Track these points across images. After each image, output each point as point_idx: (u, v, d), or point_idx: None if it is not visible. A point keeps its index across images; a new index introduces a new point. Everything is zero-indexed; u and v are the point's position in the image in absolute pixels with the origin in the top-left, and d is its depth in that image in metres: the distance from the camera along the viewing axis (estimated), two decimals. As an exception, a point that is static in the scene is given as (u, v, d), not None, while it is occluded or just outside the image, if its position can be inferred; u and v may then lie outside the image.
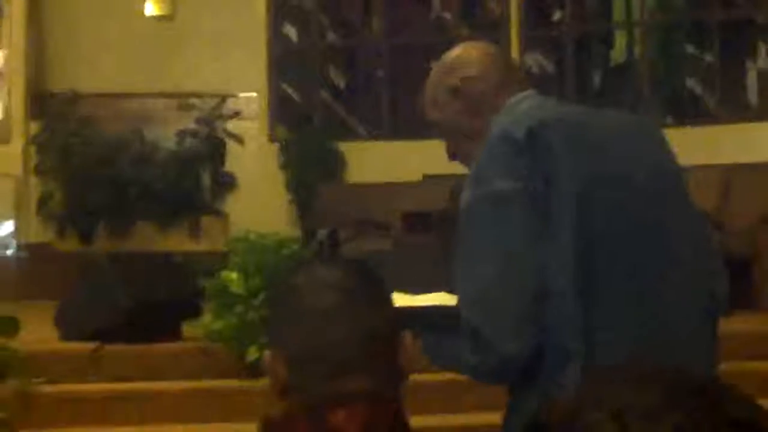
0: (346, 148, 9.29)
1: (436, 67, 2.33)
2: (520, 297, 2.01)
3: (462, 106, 2.25)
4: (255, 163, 9.23)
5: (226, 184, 8.98)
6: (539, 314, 2.01)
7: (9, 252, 8.90)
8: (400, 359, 1.58)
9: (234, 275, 5.01)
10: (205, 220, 8.82)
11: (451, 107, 2.26)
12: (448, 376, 3.82)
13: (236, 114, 9.14)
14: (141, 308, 5.27)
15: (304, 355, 1.54)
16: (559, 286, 2.01)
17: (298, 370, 1.54)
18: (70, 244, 8.67)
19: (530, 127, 2.07)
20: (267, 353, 1.58)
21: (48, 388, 5.00)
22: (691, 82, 8.95)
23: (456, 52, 2.32)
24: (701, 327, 2.17)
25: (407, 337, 1.60)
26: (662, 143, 2.25)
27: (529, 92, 2.25)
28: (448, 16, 9.71)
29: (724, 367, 2.22)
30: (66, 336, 5.44)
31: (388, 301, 1.61)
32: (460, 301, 2.05)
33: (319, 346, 1.53)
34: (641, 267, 2.09)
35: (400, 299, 2.03)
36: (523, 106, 2.20)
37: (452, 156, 2.32)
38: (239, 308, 4.95)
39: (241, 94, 9.42)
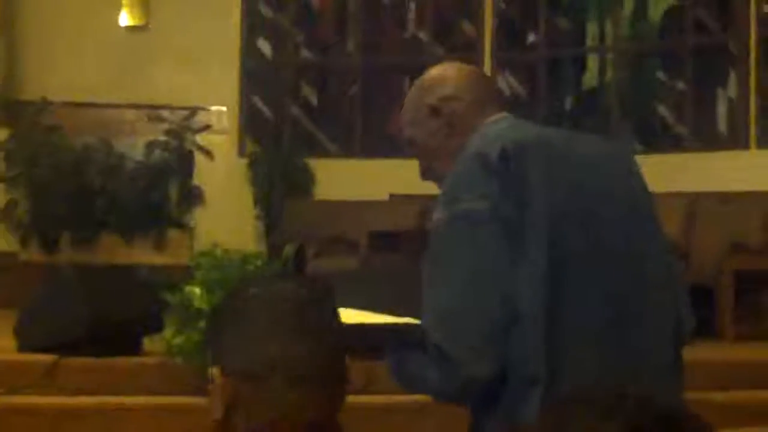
0: (316, 164, 9.26)
1: (414, 86, 2.32)
2: (486, 318, 1.99)
3: (439, 126, 2.25)
4: (223, 177, 9.18)
5: (193, 197, 8.91)
6: (505, 337, 1.99)
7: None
8: (350, 376, 1.56)
9: (197, 290, 4.96)
10: (171, 233, 8.75)
11: (428, 126, 2.25)
12: (409, 397, 3.79)
13: (206, 127, 9.08)
14: (102, 321, 5.20)
15: (259, 370, 1.51)
16: (527, 309, 2.00)
17: (251, 386, 1.51)
18: (34, 254, 8.58)
19: (504, 149, 2.06)
20: (214, 370, 1.55)
21: (3, 400, 4.92)
22: (661, 109, 9.00)
23: (435, 71, 2.32)
24: (668, 354, 2.16)
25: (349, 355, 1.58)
26: (635, 169, 2.25)
27: (506, 113, 2.24)
28: (422, 36, 9.72)
29: (686, 396, 2.20)
30: (24, 347, 5.36)
31: (338, 317, 1.59)
32: (425, 320, 2.03)
33: (275, 362, 1.50)
34: (610, 293, 2.08)
35: (359, 317, 2.00)
36: (499, 127, 2.19)
37: (424, 175, 2.30)
38: (201, 323, 4.90)
39: (212, 108, 9.38)
